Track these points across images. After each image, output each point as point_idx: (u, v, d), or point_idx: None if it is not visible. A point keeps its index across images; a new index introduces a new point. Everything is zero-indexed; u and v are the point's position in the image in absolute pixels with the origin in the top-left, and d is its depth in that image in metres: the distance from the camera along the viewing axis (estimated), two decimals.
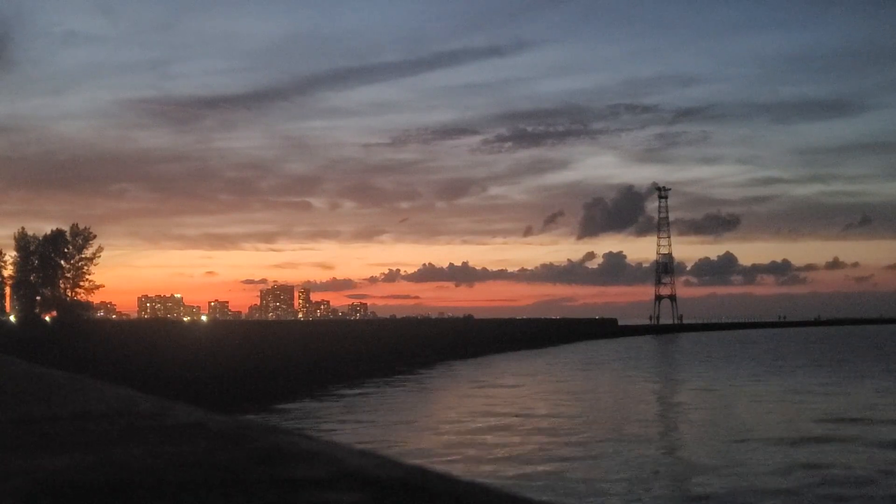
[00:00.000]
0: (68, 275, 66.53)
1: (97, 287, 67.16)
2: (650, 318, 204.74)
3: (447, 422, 32.51)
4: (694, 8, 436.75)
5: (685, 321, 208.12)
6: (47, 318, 64.99)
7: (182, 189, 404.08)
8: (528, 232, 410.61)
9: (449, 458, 23.42)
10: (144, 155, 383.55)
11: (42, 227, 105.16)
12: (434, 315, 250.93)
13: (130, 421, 2.81)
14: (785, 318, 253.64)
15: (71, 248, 66.31)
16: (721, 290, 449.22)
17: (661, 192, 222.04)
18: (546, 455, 24.29)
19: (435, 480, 1.66)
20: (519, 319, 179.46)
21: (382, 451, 2.44)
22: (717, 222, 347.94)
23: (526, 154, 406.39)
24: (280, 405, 37.97)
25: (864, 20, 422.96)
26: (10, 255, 68.89)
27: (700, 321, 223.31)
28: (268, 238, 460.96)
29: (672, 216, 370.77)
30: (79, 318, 62.25)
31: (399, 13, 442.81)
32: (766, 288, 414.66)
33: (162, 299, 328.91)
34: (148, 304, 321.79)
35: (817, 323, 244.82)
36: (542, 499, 19.49)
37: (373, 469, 1.75)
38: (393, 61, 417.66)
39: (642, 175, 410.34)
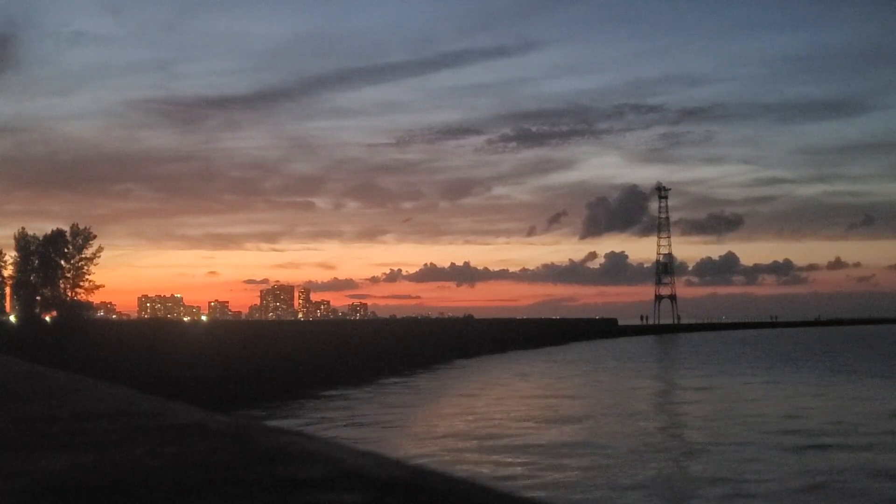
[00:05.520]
0: (68, 275, 66.50)
1: (97, 287, 67.10)
2: (641, 319, 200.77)
3: (445, 422, 32.50)
4: (699, 8, 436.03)
5: (684, 321, 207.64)
6: (47, 318, 64.95)
7: (186, 189, 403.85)
8: (531, 232, 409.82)
9: (447, 459, 23.42)
10: (149, 155, 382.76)
11: (45, 227, 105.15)
12: (434, 315, 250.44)
13: (130, 421, 2.81)
14: (777, 318, 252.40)
15: (71, 248, 66.32)
16: (722, 290, 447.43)
17: (662, 192, 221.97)
18: (545, 456, 24.27)
19: (435, 480, 1.66)
20: (518, 319, 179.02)
21: (382, 451, 2.42)
22: (719, 222, 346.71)
23: (530, 154, 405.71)
24: (279, 405, 37.98)
25: (869, 20, 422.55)
26: (11, 255, 68.90)
27: (699, 321, 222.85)
28: (270, 238, 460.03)
29: (675, 216, 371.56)
30: (79, 318, 62.14)
31: (404, 14, 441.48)
32: (768, 288, 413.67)
33: (162, 299, 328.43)
34: (148, 304, 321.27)
35: (817, 323, 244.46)
36: (542, 498, 19.53)
37: (373, 469, 1.75)
38: (398, 61, 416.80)
39: (646, 175, 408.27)
